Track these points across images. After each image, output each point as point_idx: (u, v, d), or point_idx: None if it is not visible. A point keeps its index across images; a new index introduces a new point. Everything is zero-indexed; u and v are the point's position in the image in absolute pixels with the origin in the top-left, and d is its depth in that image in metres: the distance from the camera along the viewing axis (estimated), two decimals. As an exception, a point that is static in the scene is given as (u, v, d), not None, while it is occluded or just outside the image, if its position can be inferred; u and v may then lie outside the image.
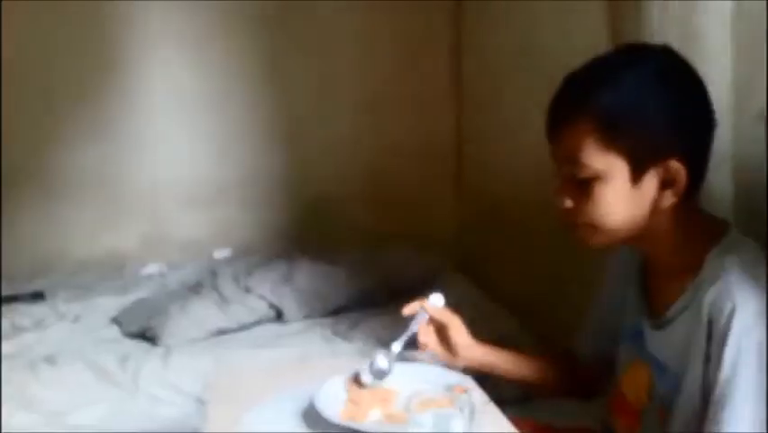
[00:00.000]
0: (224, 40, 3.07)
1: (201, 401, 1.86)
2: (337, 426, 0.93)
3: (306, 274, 2.36)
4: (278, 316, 2.23)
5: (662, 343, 0.91)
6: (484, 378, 1.11)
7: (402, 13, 3.13)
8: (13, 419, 1.85)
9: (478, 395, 1.00)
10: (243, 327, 2.17)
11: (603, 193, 0.87)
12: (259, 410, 1.02)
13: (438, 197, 3.30)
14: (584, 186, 0.88)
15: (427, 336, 1.11)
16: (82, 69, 2.97)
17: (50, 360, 1.96)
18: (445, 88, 3.25)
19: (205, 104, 3.12)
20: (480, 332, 2.12)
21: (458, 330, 1.12)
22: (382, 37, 3.15)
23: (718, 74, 1.05)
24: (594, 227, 0.90)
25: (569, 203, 0.91)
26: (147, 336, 2.11)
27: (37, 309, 2.39)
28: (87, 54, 2.97)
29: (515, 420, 0.98)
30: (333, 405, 0.98)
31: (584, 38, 1.62)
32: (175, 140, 3.13)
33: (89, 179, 3.07)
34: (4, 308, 2.39)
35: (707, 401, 0.81)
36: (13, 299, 2.51)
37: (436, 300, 1.10)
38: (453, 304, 2.32)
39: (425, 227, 3.15)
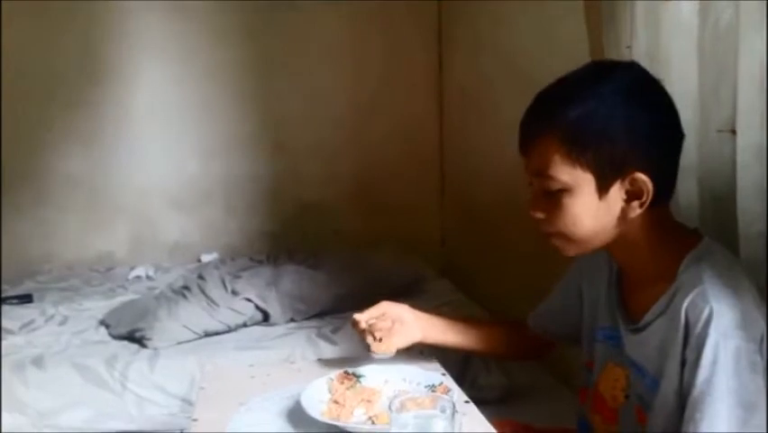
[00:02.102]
0: (211, 49, 3.10)
1: (188, 402, 1.88)
2: (322, 425, 0.95)
3: (292, 278, 2.38)
4: (265, 318, 2.25)
5: (638, 346, 0.94)
6: (463, 380, 1.15)
7: (387, 25, 3.18)
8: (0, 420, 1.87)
9: (457, 395, 1.03)
10: (230, 330, 2.18)
11: (571, 205, 0.90)
12: (245, 411, 1.04)
13: (422, 202, 3.33)
14: (554, 198, 0.91)
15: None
16: (73, 78, 3.00)
17: (37, 362, 1.96)
18: (429, 98, 3.30)
19: (192, 110, 3.14)
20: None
21: (401, 313, 1.18)
22: (369, 47, 3.19)
23: (685, 87, 1.10)
24: (565, 237, 0.94)
25: (540, 215, 0.95)
26: (134, 337, 2.11)
27: (25, 312, 2.39)
28: (78, 64, 3.00)
29: (494, 421, 1.00)
30: (319, 405, 1.00)
31: (564, 51, 1.66)
32: (163, 145, 3.15)
33: (78, 183, 3.09)
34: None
35: (683, 404, 0.83)
36: (1, 301, 2.51)
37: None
38: (436, 306, 2.36)
39: (409, 232, 3.19)
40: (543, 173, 0.91)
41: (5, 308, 2.44)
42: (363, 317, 1.14)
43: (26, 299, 2.55)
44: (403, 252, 2.92)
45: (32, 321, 2.30)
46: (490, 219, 2.66)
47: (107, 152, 3.10)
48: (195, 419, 1.04)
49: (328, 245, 3.03)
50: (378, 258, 2.72)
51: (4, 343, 2.11)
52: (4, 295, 2.60)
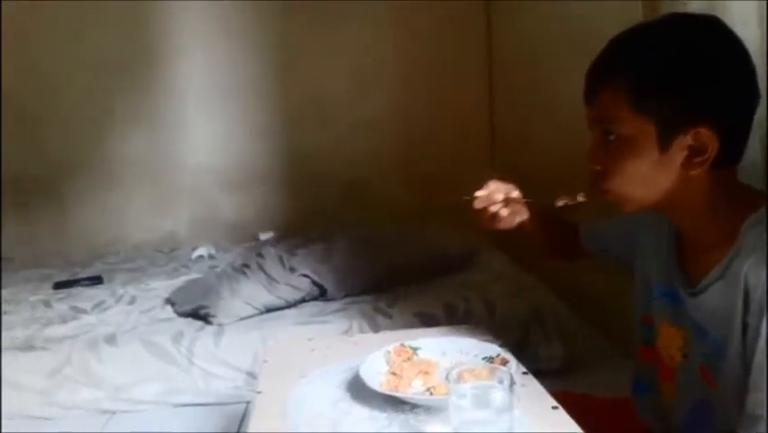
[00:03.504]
0: (256, 31, 3.13)
1: (252, 375, 1.94)
2: (381, 396, 0.97)
3: (345, 253, 2.40)
4: (322, 293, 2.29)
5: (698, 309, 0.91)
6: (522, 353, 1.13)
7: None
8: (77, 395, 1.98)
9: (515, 367, 1.03)
10: (289, 305, 2.23)
11: (631, 156, 0.87)
12: (306, 383, 1.07)
13: (473, 172, 3.28)
14: (614, 149, 0.89)
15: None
16: (129, 67, 3.10)
17: (109, 340, 2.06)
18: (477, 64, 3.23)
19: (242, 92, 3.19)
20: (518, 304, 2.13)
21: (511, 190, 1.22)
22: (414, 16, 3.14)
23: (747, 42, 1.05)
24: (621, 193, 0.90)
25: (598, 166, 0.91)
26: (199, 315, 2.19)
27: (96, 292, 2.51)
28: (134, 53, 3.10)
29: (553, 392, 0.99)
30: (377, 377, 1.01)
31: (618, 10, 1.61)
32: (215, 127, 3.22)
33: (140, 168, 3.20)
34: (65, 292, 2.53)
35: (748, 368, 0.82)
36: (74, 283, 2.65)
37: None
38: (491, 279, 2.34)
39: (461, 204, 3.16)
40: (606, 120, 0.88)
41: (79, 289, 2.57)
42: (483, 193, 1.17)
43: (97, 280, 2.69)
44: (456, 223, 2.90)
45: (102, 301, 2.41)
46: (543, 187, 2.61)
47: (165, 136, 3.20)
48: (259, 392, 1.07)
49: (380, 219, 3.04)
50: (430, 231, 2.71)
51: (78, 322, 2.23)
52: (77, 277, 2.74)
